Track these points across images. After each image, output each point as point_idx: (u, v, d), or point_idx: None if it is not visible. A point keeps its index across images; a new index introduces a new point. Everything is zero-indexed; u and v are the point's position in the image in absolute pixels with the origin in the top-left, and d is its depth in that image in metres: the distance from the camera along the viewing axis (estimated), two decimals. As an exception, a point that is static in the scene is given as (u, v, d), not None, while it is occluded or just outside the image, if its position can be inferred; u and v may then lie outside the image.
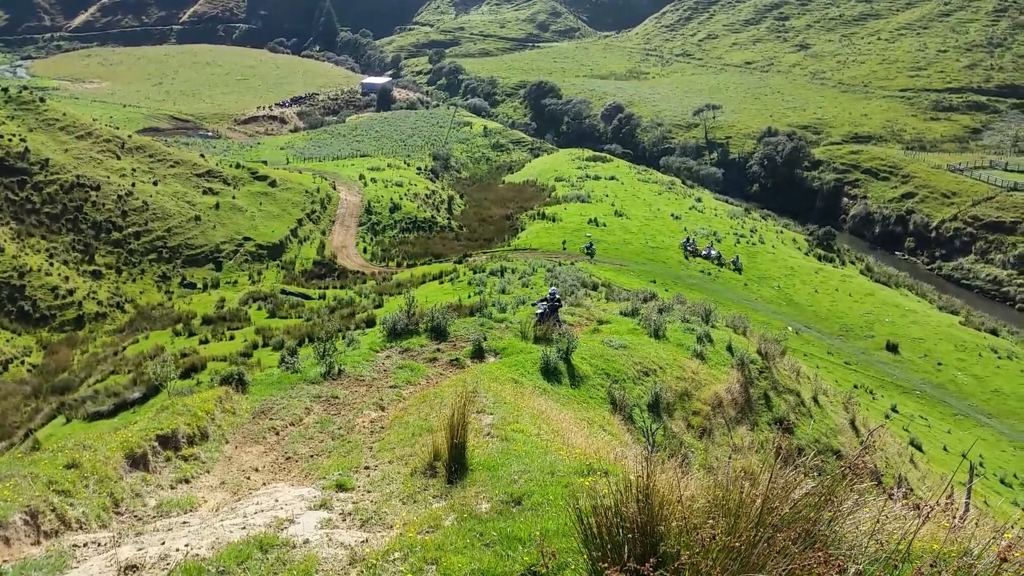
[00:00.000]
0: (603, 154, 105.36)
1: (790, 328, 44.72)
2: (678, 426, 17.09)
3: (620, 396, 16.20)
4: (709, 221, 71.56)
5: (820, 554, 3.08)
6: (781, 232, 77.68)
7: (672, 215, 70.07)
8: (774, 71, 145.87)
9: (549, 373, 15.98)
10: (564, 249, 53.34)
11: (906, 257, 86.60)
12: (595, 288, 34.88)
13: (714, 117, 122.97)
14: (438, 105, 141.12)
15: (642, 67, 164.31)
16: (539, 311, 20.53)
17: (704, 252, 57.39)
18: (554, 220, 64.52)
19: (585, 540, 4.25)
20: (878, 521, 3.65)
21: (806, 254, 69.58)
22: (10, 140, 66.49)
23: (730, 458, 9.00)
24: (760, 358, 22.93)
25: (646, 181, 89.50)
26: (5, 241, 56.60)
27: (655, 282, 44.90)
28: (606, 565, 3.86)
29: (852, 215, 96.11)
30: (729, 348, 22.26)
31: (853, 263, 71.37)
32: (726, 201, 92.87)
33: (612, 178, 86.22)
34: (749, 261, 58.78)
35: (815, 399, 24.17)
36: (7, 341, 48.90)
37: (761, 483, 3.85)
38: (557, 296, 21.28)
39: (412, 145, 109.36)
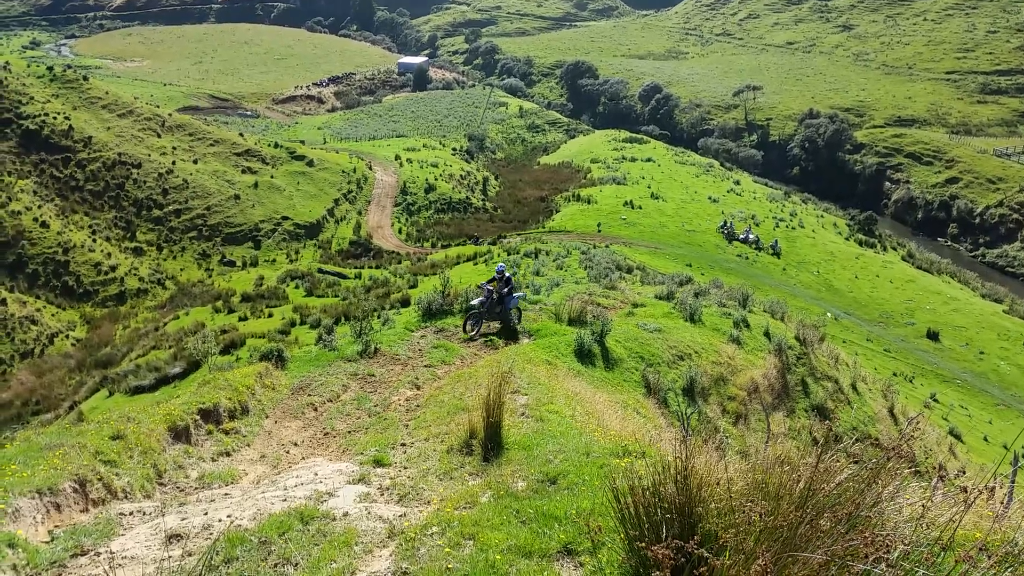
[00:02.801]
0: (640, 135, 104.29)
1: (829, 314, 44.09)
2: (713, 411, 17.00)
3: (654, 380, 16.15)
4: (747, 204, 70.61)
5: (867, 535, 3.06)
6: (821, 216, 76.41)
7: (710, 198, 69.25)
8: (816, 52, 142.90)
9: (583, 355, 15.98)
10: (599, 231, 53.08)
11: (949, 244, 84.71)
12: (629, 271, 34.69)
13: (754, 98, 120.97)
14: (474, 85, 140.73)
15: (681, 47, 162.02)
16: (475, 301, 17.50)
17: (742, 236, 56.68)
18: (589, 202, 64.18)
19: (622, 519, 4.28)
20: (923, 506, 3.62)
21: (847, 239, 68.41)
22: (55, 118, 67.81)
23: (767, 443, 8.95)
24: (798, 344, 22.67)
25: (683, 163, 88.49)
26: (50, 217, 57.90)
27: (691, 266, 44.50)
28: (643, 544, 3.88)
29: (894, 200, 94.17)
30: (767, 333, 22.03)
31: (895, 249, 70.02)
32: (765, 184, 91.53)
33: (649, 160, 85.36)
34: (788, 245, 57.97)
35: (854, 386, 23.86)
36: (52, 315, 50.16)
37: (802, 467, 3.84)
38: (508, 275, 18.11)
39: (447, 125, 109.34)
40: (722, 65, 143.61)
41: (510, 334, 17.07)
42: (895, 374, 37.41)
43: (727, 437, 16.50)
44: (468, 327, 17.07)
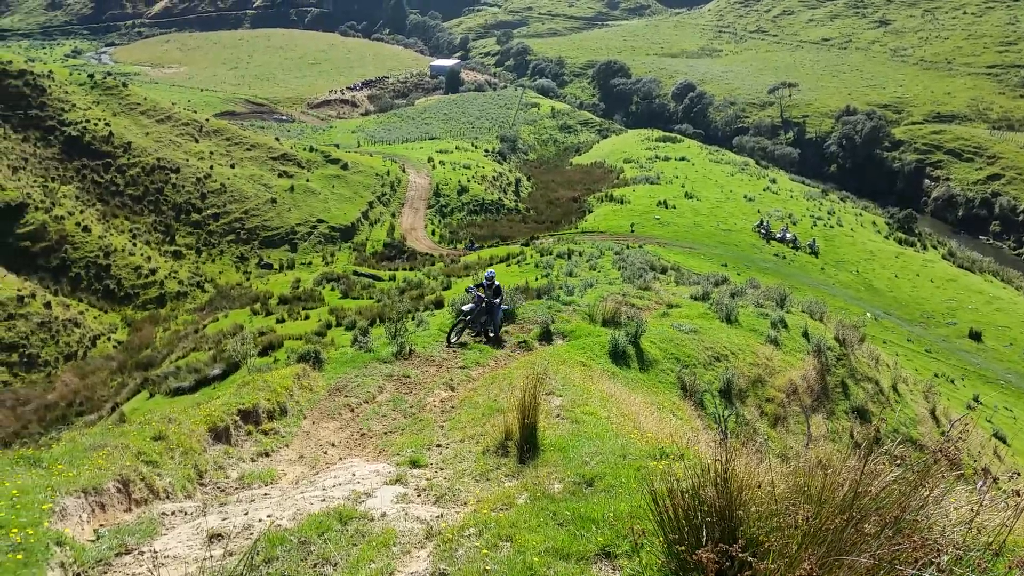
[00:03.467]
0: (673, 134, 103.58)
1: (868, 314, 43.35)
2: (751, 413, 16.81)
3: (690, 381, 16.01)
4: (784, 203, 69.74)
5: (915, 539, 3.00)
6: (860, 215, 75.18)
7: (745, 197, 68.51)
8: (852, 48, 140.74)
9: (618, 356, 15.90)
10: (632, 232, 52.79)
11: (991, 241, 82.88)
12: (664, 271, 34.44)
13: (790, 95, 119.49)
14: (506, 86, 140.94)
15: (715, 44, 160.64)
16: (466, 308, 16.75)
17: (779, 235, 55.98)
18: (622, 202, 63.87)
19: (661, 522, 4.25)
20: (973, 510, 3.54)
21: (886, 237, 67.23)
22: (96, 124, 69.31)
23: (808, 445, 8.81)
24: (838, 345, 22.33)
25: (718, 162, 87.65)
26: (92, 222, 59.18)
27: (727, 266, 44.05)
28: (683, 548, 3.86)
29: (934, 198, 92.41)
30: (805, 334, 21.74)
31: (935, 247, 68.65)
32: (802, 182, 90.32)
33: (683, 159, 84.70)
34: (826, 244, 57.14)
35: (894, 387, 23.44)
36: (95, 318, 51.26)
37: (845, 470, 3.77)
38: (497, 284, 17.26)
39: (480, 127, 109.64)
40: (756, 62, 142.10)
41: (497, 342, 16.88)
42: (937, 375, 36.66)
43: (765, 439, 16.31)
44: (452, 337, 16.16)
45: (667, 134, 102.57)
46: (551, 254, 41.53)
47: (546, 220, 68.33)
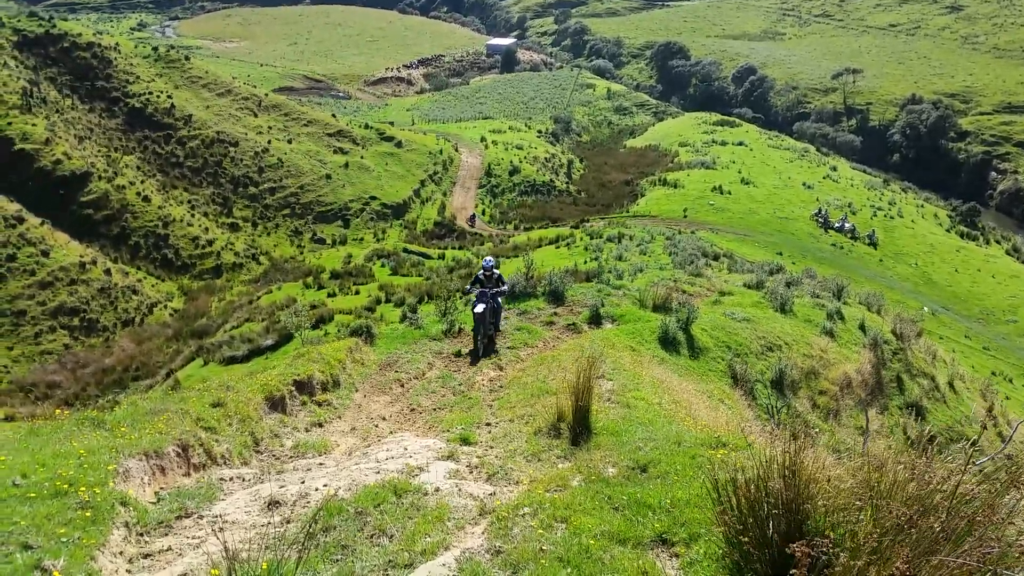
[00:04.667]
0: (732, 118, 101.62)
1: (926, 308, 42.19)
2: (803, 405, 16.50)
3: (742, 370, 15.76)
4: (844, 192, 68.04)
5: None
6: (921, 206, 73.00)
7: (804, 184, 67.01)
8: (921, 34, 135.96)
9: (668, 342, 15.72)
10: (685, 217, 52.11)
11: (1061, 238, 79.71)
12: (716, 258, 33.94)
13: (854, 82, 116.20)
14: (561, 67, 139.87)
15: (778, 27, 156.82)
16: (479, 310, 14.43)
17: (837, 224, 54.69)
18: (676, 187, 63.00)
19: (722, 512, 4.18)
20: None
21: (947, 230, 65.19)
22: (158, 96, 70.81)
23: (866, 440, 8.58)
24: (894, 339, 21.78)
25: (777, 148, 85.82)
26: (152, 192, 60.64)
27: (782, 254, 43.23)
28: (747, 539, 3.79)
29: (1000, 191, 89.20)
30: (861, 327, 21.24)
31: (998, 242, 66.35)
32: (863, 171, 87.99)
33: (740, 144, 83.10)
34: (886, 236, 55.66)
35: (951, 385, 22.77)
36: (152, 286, 52.65)
37: (917, 465, 3.66)
38: (497, 273, 15.40)
39: (534, 108, 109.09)
40: (820, 47, 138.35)
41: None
42: (994, 373, 35.57)
43: (817, 432, 16.00)
44: (479, 342, 14.31)
45: (725, 118, 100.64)
46: (601, 237, 41.24)
47: (597, 203, 67.81)
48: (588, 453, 7.10)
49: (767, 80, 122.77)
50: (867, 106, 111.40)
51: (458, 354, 14.19)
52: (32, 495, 5.48)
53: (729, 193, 58.92)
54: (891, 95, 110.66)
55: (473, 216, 66.53)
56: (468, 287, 15.58)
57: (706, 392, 13.47)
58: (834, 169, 78.82)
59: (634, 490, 5.67)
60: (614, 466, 6.41)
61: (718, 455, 6.12)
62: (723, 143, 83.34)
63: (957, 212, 71.22)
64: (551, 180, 75.94)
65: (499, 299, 15.18)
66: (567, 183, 77.00)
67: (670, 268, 27.18)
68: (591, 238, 42.16)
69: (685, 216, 52.36)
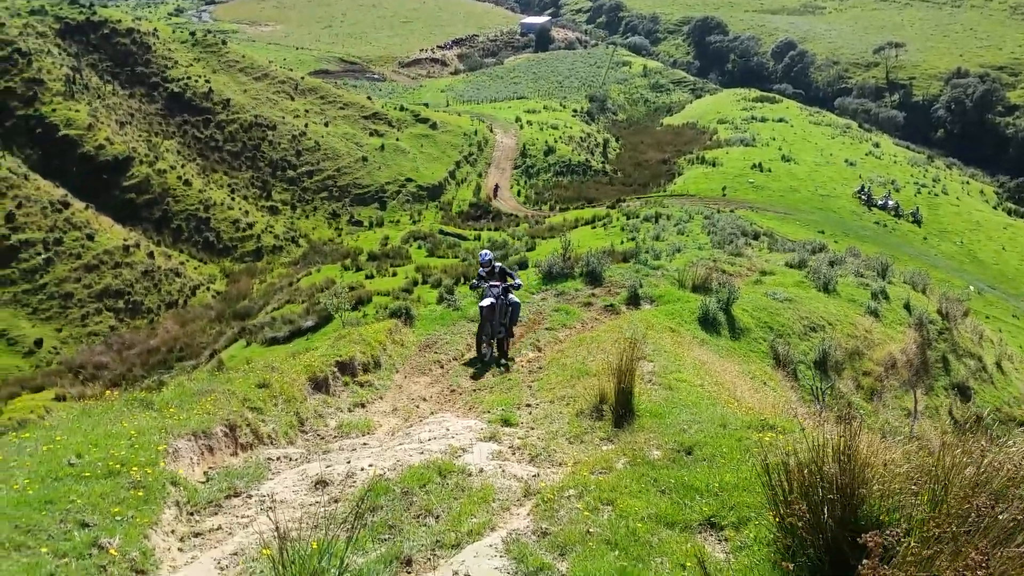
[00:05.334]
0: (771, 94, 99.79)
1: (972, 287, 41.16)
2: (846, 386, 16.27)
3: (784, 351, 15.56)
4: (887, 168, 66.54)
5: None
6: (967, 183, 71.13)
7: (846, 161, 65.66)
8: (967, 6, 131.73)
9: (708, 323, 15.57)
10: (724, 195, 51.40)
11: (1116, 214, 77.09)
12: (756, 237, 33.45)
13: (896, 56, 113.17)
14: (596, 44, 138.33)
15: (818, 1, 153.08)
16: (486, 304, 12.55)
17: (880, 202, 53.54)
18: (714, 165, 62.13)
19: (774, 496, 4.13)
20: None
21: (994, 207, 63.49)
22: (196, 81, 71.64)
23: (914, 422, 8.43)
24: (940, 318, 21.36)
25: (818, 124, 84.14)
26: (193, 176, 61.53)
27: (824, 233, 42.44)
28: (800, 524, 3.74)
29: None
30: (906, 306, 20.84)
31: (1049, 219, 64.46)
32: (907, 147, 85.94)
33: (781, 120, 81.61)
34: (930, 213, 54.39)
35: (999, 365, 22.28)
36: (194, 269, 53.57)
37: (975, 450, 3.56)
38: (499, 266, 13.50)
39: (568, 87, 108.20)
40: (862, 20, 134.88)
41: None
42: (1046, 354, 34.67)
43: (860, 414, 15.76)
44: (484, 347, 12.56)
45: (765, 94, 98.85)
46: (638, 217, 40.87)
47: (634, 182, 67.22)
48: (632, 435, 7.06)
49: (807, 55, 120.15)
50: (910, 81, 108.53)
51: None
52: (87, 474, 5.62)
53: (769, 171, 57.96)
54: (935, 69, 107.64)
55: (496, 187, 66.62)
56: (475, 281, 13.79)
57: (748, 373, 13.33)
58: (877, 145, 77.09)
59: (680, 473, 5.63)
60: (659, 448, 6.37)
61: (766, 438, 6.05)
62: (763, 120, 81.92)
63: (1005, 188, 69.39)
64: (586, 160, 75.42)
65: (512, 295, 13.03)
66: (603, 163, 76.41)
67: (709, 248, 26.86)
68: (628, 218, 41.80)
69: (724, 195, 51.65)
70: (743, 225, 36.25)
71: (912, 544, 3.17)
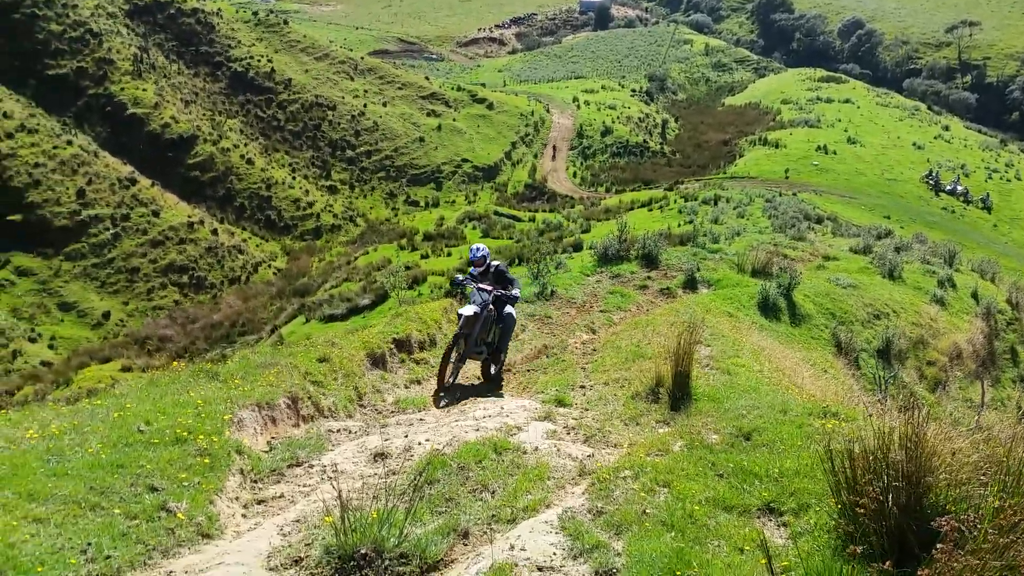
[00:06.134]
0: (837, 74, 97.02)
1: (1046, 277, 39.58)
2: (909, 376, 15.85)
3: (846, 339, 15.21)
4: (957, 152, 64.20)
5: None
6: (1043, 168, 68.16)
7: (914, 144, 63.55)
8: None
9: (767, 309, 15.29)
10: (786, 178, 50.29)
11: None
12: (819, 221, 32.73)
13: (970, 35, 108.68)
14: (657, 22, 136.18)
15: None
16: (467, 311, 9.84)
17: (949, 187, 51.75)
18: (777, 146, 60.80)
19: (836, 483, 4.08)
20: None
21: (1073, 194, 60.71)
22: (259, 61, 72.85)
23: (980, 413, 8.20)
24: (1009, 308, 20.65)
25: (886, 105, 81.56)
26: (255, 155, 62.79)
27: (889, 218, 41.27)
28: (863, 511, 3.69)
29: None
30: (974, 295, 20.19)
31: None
32: (979, 130, 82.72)
33: (847, 101, 79.38)
34: (1001, 199, 52.37)
35: (1073, 358, 21.41)
36: (256, 246, 54.80)
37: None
38: (496, 266, 10.61)
39: (627, 66, 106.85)
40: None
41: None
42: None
43: (923, 404, 15.36)
44: (452, 365, 9.80)
45: (831, 74, 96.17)
46: (696, 200, 40.32)
47: (692, 164, 66.23)
48: (689, 419, 7.03)
49: (876, 34, 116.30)
50: (984, 61, 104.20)
51: (549, 316, 14.20)
52: (155, 441, 5.83)
53: (834, 153, 56.52)
54: (1012, 48, 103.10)
55: (555, 149, 66.71)
56: (460, 277, 11.00)
57: (809, 361, 13.09)
58: (946, 128, 74.45)
59: (739, 457, 5.59)
60: (717, 433, 6.32)
61: (828, 425, 5.96)
62: (828, 100, 79.82)
63: (1085, 174, 66.16)
64: (644, 141, 74.53)
65: (509, 307, 10.36)
66: (661, 144, 75.42)
67: (770, 231, 26.38)
68: (686, 200, 41.28)
69: (787, 177, 50.54)
70: (806, 209, 35.50)
71: (988, 531, 3.10)
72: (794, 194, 42.34)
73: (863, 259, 21.30)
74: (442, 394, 9.37)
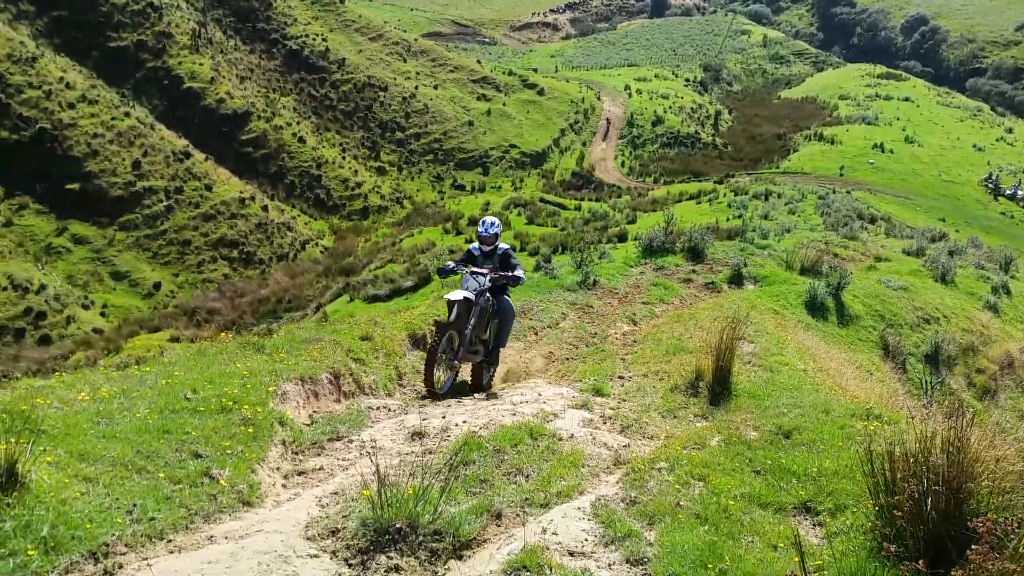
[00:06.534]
0: (898, 71, 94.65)
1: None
2: (957, 383, 15.49)
3: (894, 342, 14.92)
4: (1019, 156, 62.22)
5: None
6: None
7: (974, 146, 61.73)
8: None
9: (815, 308, 15.07)
10: (841, 175, 49.29)
11: None
12: (873, 221, 32.05)
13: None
14: (715, 11, 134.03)
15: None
16: (454, 297, 8.52)
17: (1009, 192, 50.21)
18: (832, 142, 59.63)
19: (875, 485, 4.05)
20: None
21: None
22: (314, 39, 73.53)
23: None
24: (1067, 318, 19.99)
25: (947, 105, 79.32)
26: (307, 134, 63.55)
27: (945, 220, 40.22)
28: (900, 514, 3.65)
29: None
30: (1030, 303, 19.60)
31: None
32: (1045, 134, 79.87)
33: (906, 99, 77.45)
34: (1064, 206, 50.61)
35: None
36: (305, 224, 55.58)
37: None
38: (504, 248, 9.37)
39: (683, 55, 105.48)
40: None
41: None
42: None
43: (969, 410, 15.00)
44: (437, 376, 8.33)
45: (891, 71, 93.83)
46: (746, 194, 39.74)
47: (744, 157, 65.29)
48: (728, 414, 6.99)
49: (940, 31, 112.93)
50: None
51: (591, 306, 14.17)
52: (201, 409, 5.99)
53: (891, 152, 55.21)
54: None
55: (608, 123, 66.24)
56: (451, 264, 9.20)
57: (854, 362, 12.88)
58: (1010, 131, 72.12)
59: (777, 455, 5.55)
60: (756, 430, 6.28)
61: (870, 427, 5.88)
62: (887, 98, 77.95)
63: None
64: (696, 132, 73.62)
65: (504, 295, 9.18)
66: (713, 135, 74.42)
67: (821, 229, 25.91)
68: (735, 194, 40.71)
69: (841, 175, 49.55)
70: (859, 207, 34.79)
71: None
72: (848, 192, 41.51)
73: (916, 261, 20.85)
74: (436, 396, 8.08)
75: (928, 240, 25.93)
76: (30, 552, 3.74)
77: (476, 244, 9.44)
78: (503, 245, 9.49)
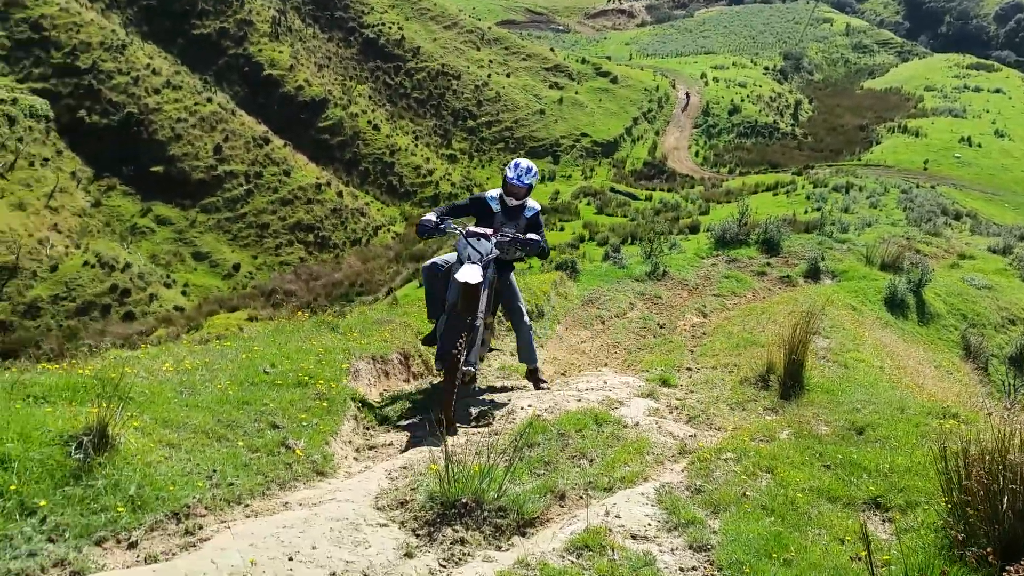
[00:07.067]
0: (989, 62, 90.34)
1: None
2: (1043, 386, 14.82)
3: (976, 342, 14.37)
4: (1121, 151, 58.69)
5: None
6: None
7: (1071, 141, 58.56)
8: None
9: (894, 305, 14.62)
10: (925, 169, 47.50)
11: None
12: (957, 217, 30.84)
13: None
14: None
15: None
16: (464, 268, 6.42)
17: (1108, 188, 47.49)
18: (917, 135, 57.48)
19: (948, 481, 3.97)
20: None
21: None
22: (390, 28, 74.51)
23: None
24: None
25: (1043, 97, 75.41)
26: (381, 121, 64.53)
27: (1035, 218, 38.41)
28: (973, 513, 3.58)
29: None
30: None
31: None
32: None
33: (997, 91, 73.97)
34: None
35: None
36: (378, 210, 56.53)
37: None
38: (532, 206, 7.22)
39: (762, 42, 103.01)
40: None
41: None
42: None
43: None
44: (459, 361, 6.28)
45: (982, 61, 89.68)
46: (826, 186, 38.69)
47: (825, 148, 63.50)
48: (799, 408, 6.89)
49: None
50: None
51: (660, 296, 14.07)
52: (279, 383, 6.23)
53: (979, 146, 52.91)
54: None
55: (683, 111, 65.40)
56: (432, 217, 6.90)
57: (933, 362, 12.47)
58: (1113, 124, 68.08)
59: (848, 450, 5.45)
60: (827, 425, 6.18)
61: (946, 425, 5.73)
62: (976, 89, 74.58)
63: None
64: (774, 122, 71.89)
65: (511, 273, 7.43)
66: (792, 125, 72.55)
67: (903, 224, 25.08)
68: (815, 186, 39.70)
69: (925, 168, 47.76)
70: (944, 203, 33.53)
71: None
72: (932, 187, 40.03)
73: (1002, 260, 20.02)
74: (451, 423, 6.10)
75: (1016, 238, 24.83)
76: (119, 509, 3.99)
77: (494, 193, 7.09)
78: (534, 203, 7.17)
